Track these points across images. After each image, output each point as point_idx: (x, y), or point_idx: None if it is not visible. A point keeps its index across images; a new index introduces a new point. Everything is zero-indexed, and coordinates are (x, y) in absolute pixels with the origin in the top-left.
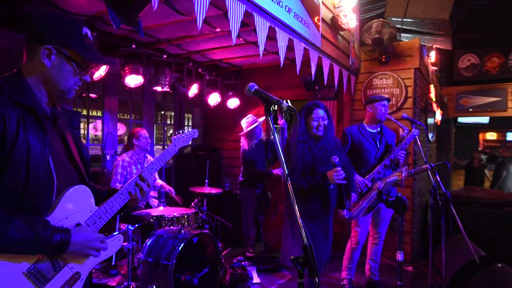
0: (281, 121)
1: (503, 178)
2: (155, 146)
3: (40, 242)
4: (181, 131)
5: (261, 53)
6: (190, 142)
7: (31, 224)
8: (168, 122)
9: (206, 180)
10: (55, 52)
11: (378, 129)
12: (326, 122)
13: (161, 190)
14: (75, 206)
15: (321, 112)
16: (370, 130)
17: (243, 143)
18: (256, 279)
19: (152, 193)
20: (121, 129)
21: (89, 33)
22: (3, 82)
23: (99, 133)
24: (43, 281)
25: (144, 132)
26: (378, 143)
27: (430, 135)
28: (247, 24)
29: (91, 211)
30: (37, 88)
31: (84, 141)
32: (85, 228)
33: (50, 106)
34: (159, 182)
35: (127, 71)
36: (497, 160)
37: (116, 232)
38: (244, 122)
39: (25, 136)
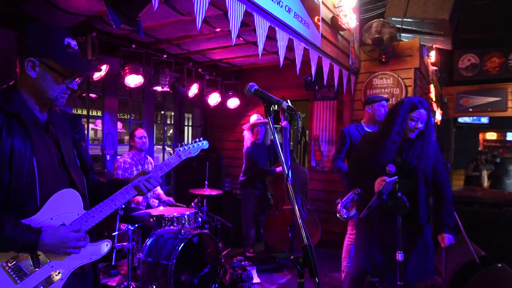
0: (283, 122)
1: (504, 180)
2: (155, 146)
3: (8, 241)
4: (189, 143)
5: (260, 53)
6: (198, 153)
7: (2, 223)
8: (168, 122)
9: (206, 182)
10: (37, 63)
11: (376, 129)
12: (421, 126)
13: (159, 197)
14: (61, 208)
15: (423, 112)
16: (368, 130)
17: (246, 139)
18: (256, 279)
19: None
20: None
21: (72, 43)
22: None
23: (99, 133)
24: (21, 276)
25: (138, 132)
26: None
27: None
28: (247, 24)
29: (78, 214)
30: (28, 97)
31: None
32: (59, 229)
33: (44, 112)
34: (158, 190)
35: (127, 71)
36: (495, 161)
37: (116, 232)
38: (252, 118)
39: (8, 139)
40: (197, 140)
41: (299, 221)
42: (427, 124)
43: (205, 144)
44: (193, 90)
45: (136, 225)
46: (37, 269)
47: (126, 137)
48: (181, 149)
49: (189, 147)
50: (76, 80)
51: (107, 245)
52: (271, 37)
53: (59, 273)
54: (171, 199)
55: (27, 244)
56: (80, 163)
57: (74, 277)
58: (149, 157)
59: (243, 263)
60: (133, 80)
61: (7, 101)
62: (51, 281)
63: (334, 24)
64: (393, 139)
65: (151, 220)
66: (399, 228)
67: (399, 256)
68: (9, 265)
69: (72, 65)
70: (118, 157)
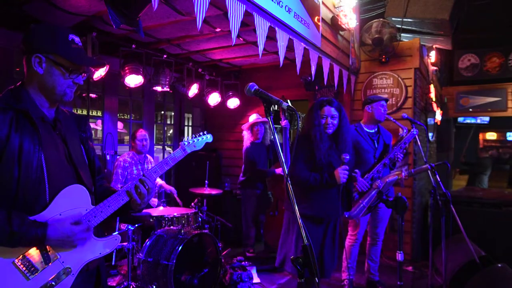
0: (283, 122)
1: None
2: (155, 146)
3: (15, 236)
4: (193, 136)
5: (260, 53)
6: (203, 146)
7: (9, 218)
8: (168, 122)
9: (206, 181)
10: (44, 59)
11: (376, 129)
12: (336, 121)
13: (161, 190)
14: (69, 204)
15: (332, 110)
16: (368, 130)
17: (245, 139)
18: (256, 279)
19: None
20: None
21: (76, 39)
22: (5, 93)
23: (99, 133)
24: (32, 271)
25: (140, 135)
26: (375, 143)
27: (430, 135)
28: (247, 24)
29: (86, 209)
30: (36, 95)
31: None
32: (63, 223)
33: (52, 109)
34: (159, 181)
35: (127, 71)
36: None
37: (116, 232)
38: (251, 118)
39: (17, 136)
40: (201, 133)
41: (299, 221)
42: (340, 120)
43: (209, 138)
44: (193, 90)
45: (136, 225)
46: (47, 265)
47: (126, 137)
48: (186, 142)
49: (194, 141)
50: (82, 75)
51: (116, 239)
52: (271, 37)
53: (69, 269)
54: (172, 188)
55: (35, 238)
56: (88, 160)
57: (82, 275)
58: (149, 156)
59: (243, 263)
60: (133, 80)
61: (15, 99)
62: (62, 277)
63: (334, 24)
64: (319, 137)
65: (151, 220)
66: (399, 228)
67: (399, 256)
68: (20, 261)
69: (77, 59)
70: (118, 156)
